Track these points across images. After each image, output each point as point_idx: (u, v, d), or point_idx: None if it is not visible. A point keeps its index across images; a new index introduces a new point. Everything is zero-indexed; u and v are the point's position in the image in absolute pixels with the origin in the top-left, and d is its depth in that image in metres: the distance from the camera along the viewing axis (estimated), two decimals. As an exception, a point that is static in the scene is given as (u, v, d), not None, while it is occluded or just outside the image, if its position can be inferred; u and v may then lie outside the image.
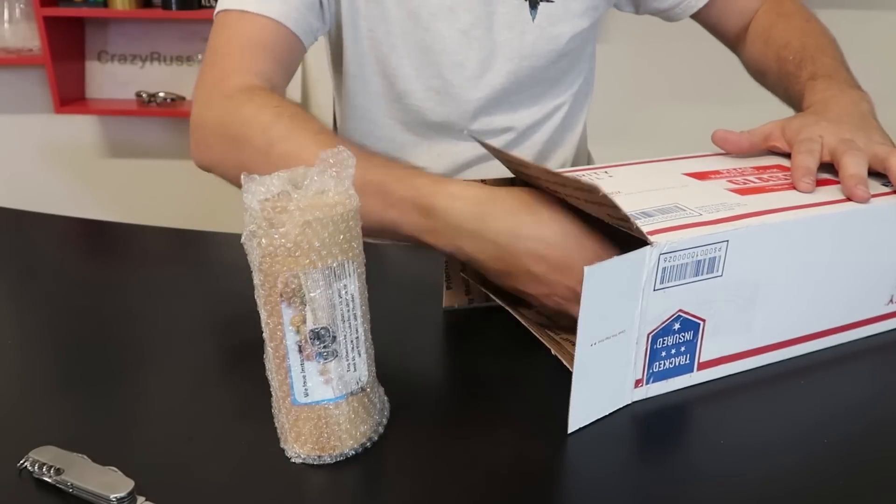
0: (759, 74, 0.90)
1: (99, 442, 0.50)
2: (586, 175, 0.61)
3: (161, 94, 2.04)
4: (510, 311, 0.61)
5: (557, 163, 0.99)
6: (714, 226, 0.52)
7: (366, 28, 0.86)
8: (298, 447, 0.49)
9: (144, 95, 2.06)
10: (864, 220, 0.58)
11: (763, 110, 0.82)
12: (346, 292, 0.47)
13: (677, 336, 0.54)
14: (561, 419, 0.51)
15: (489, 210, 0.56)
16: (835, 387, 0.59)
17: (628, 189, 0.58)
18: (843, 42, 0.83)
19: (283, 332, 0.46)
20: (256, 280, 0.47)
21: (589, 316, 0.48)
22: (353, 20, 0.85)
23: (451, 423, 0.53)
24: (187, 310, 0.70)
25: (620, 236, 0.53)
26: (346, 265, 0.46)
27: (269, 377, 0.49)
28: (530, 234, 0.55)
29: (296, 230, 0.44)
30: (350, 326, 0.48)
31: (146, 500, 0.44)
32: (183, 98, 2.07)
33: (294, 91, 2.02)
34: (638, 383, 0.54)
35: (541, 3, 0.86)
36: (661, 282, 0.51)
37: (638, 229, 0.50)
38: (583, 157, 1.05)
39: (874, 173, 0.62)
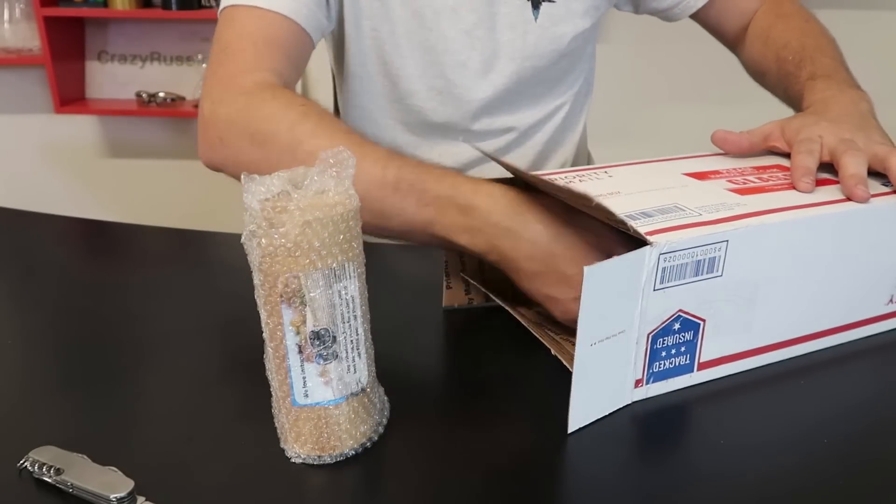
0: (759, 75, 0.90)
1: (99, 442, 0.50)
2: (586, 175, 0.61)
3: (161, 94, 2.04)
4: (510, 310, 0.61)
5: (558, 163, 0.99)
6: (714, 226, 0.52)
7: (369, 27, 0.85)
8: (298, 447, 0.49)
9: (144, 95, 2.06)
10: (863, 220, 0.58)
11: (763, 110, 0.82)
12: (346, 293, 0.47)
13: (677, 336, 0.54)
14: (561, 419, 0.51)
15: (529, 210, 0.57)
16: (835, 387, 0.59)
17: (628, 189, 0.58)
18: (843, 42, 0.83)
19: (282, 332, 0.46)
20: (256, 280, 0.47)
21: (589, 316, 0.48)
22: (356, 19, 0.85)
23: (451, 422, 0.53)
24: (187, 310, 0.70)
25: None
26: (346, 266, 0.46)
27: (269, 377, 0.49)
28: (570, 236, 0.56)
29: (296, 230, 0.44)
30: (350, 327, 0.48)
31: (146, 500, 0.44)
32: (183, 98, 2.07)
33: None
34: (638, 383, 0.54)
35: (543, 4, 0.86)
36: (661, 282, 0.51)
37: (635, 231, 0.50)
38: (583, 157, 1.05)
39: (874, 173, 0.62)
